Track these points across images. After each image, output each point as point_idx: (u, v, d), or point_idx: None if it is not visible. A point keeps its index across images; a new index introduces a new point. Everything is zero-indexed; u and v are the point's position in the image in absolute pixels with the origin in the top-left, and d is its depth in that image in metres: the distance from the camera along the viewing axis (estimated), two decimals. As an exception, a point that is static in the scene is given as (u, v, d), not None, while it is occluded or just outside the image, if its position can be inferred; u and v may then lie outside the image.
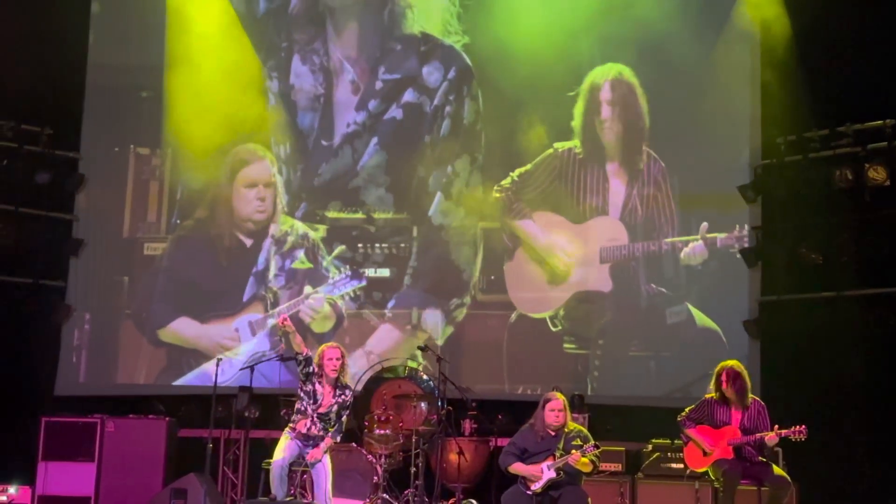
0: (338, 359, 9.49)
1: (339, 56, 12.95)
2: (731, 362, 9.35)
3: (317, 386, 9.54)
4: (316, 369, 9.53)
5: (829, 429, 10.37)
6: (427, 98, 12.80)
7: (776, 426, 8.94)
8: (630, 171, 12.47)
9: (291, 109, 13.03)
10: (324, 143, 12.87)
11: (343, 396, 9.52)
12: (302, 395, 9.58)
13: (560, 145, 12.62)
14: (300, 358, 9.52)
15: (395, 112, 12.85)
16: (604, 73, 12.59)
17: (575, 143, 12.60)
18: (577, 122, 12.60)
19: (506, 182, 12.67)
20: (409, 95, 12.81)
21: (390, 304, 12.65)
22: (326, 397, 9.48)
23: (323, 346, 9.71)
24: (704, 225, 12.13)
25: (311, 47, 12.94)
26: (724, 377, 9.20)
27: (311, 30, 12.99)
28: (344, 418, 9.53)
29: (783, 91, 11.66)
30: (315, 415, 9.43)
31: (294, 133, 13.03)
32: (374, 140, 12.81)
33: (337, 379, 9.52)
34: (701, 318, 12.11)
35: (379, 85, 12.86)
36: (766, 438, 8.95)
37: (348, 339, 12.63)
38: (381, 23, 12.96)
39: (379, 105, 12.84)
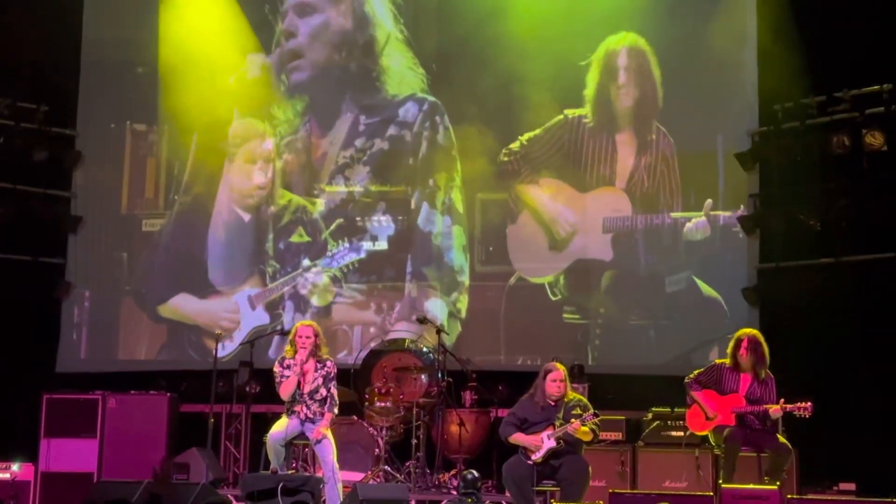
0: (307, 337, 9.49)
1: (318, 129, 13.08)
2: (752, 330, 9.39)
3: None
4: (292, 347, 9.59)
5: (829, 395, 10.38)
6: (407, 130, 12.86)
7: (782, 400, 8.98)
8: (639, 143, 12.42)
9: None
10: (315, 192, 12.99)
11: (325, 369, 9.52)
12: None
13: (570, 112, 12.57)
14: None
15: (381, 144, 12.90)
16: (619, 41, 12.51)
17: (585, 111, 12.55)
18: (589, 91, 12.52)
19: (514, 146, 12.63)
20: (392, 130, 12.90)
21: (396, 309, 12.63)
22: (309, 374, 9.48)
23: (297, 325, 9.74)
24: (709, 202, 12.09)
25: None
26: (745, 344, 9.22)
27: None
28: (333, 390, 9.53)
29: (780, 58, 11.60)
30: (306, 395, 9.45)
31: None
32: (367, 170, 12.87)
33: (314, 354, 9.52)
34: (700, 286, 12.10)
35: (362, 128, 12.95)
36: (771, 411, 8.99)
37: (347, 312, 12.66)
38: (357, 91, 13.03)
39: (365, 141, 12.91)
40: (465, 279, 12.60)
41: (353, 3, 13.09)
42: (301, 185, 12.99)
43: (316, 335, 9.55)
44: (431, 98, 12.86)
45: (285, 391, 9.43)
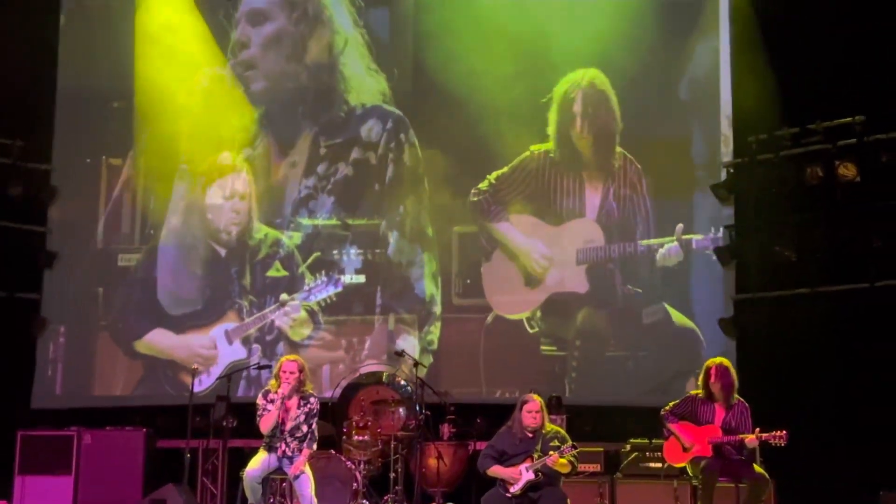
0: (291, 372, 9.39)
1: (276, 148, 13.03)
2: (720, 359, 9.38)
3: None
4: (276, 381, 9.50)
5: (806, 425, 10.41)
6: (372, 152, 12.82)
7: (757, 429, 8.97)
8: (605, 173, 12.49)
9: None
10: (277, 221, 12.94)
11: (308, 405, 9.42)
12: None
13: (536, 148, 12.62)
14: None
15: (345, 170, 12.86)
16: (576, 82, 12.55)
17: (549, 147, 12.61)
18: (551, 129, 12.59)
19: (483, 185, 12.66)
20: (355, 153, 12.85)
21: (367, 344, 12.59)
22: (292, 410, 9.39)
23: (282, 359, 9.64)
24: (680, 226, 12.16)
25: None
26: (713, 372, 9.21)
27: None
28: (314, 427, 9.46)
29: (754, 90, 11.71)
30: (286, 433, 9.37)
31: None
32: (331, 200, 12.83)
33: (298, 390, 9.43)
34: (677, 317, 12.14)
35: (323, 150, 12.90)
36: (747, 440, 8.97)
37: (316, 349, 12.61)
38: (315, 105, 12.98)
39: (328, 167, 12.86)
40: (436, 309, 12.59)
41: (309, 8, 13.04)
42: (264, 215, 12.97)
43: (301, 370, 9.45)
44: (396, 111, 12.85)
45: (265, 425, 9.36)
